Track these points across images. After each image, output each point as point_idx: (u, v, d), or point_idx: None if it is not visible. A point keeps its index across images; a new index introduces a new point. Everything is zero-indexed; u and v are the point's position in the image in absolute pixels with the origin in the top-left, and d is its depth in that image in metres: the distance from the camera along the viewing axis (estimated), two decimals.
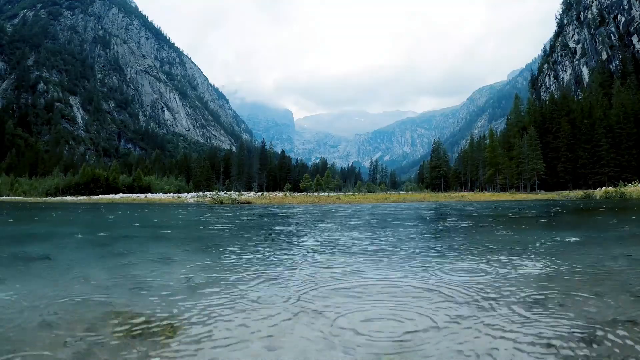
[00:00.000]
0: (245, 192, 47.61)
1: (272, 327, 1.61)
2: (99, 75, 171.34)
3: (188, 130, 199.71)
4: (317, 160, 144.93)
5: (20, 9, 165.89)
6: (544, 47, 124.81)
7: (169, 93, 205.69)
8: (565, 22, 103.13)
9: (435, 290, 2.19)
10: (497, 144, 63.16)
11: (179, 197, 37.33)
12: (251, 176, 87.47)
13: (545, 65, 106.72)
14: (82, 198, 39.37)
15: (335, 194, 49.61)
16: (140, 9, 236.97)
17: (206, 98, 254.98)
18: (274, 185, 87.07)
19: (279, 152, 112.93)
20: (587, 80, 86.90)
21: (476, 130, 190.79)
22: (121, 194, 45.54)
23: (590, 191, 29.30)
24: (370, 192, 58.60)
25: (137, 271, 2.82)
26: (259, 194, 42.82)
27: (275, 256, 3.55)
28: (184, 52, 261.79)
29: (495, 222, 7.80)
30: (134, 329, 1.57)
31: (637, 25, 79.81)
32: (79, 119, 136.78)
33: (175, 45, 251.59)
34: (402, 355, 1.32)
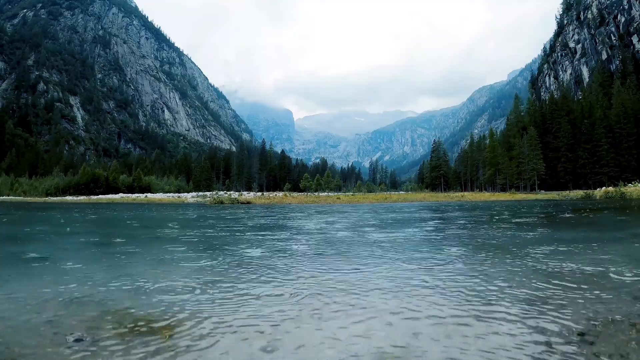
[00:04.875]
0: (245, 192, 47.59)
1: (272, 326, 1.60)
2: (99, 75, 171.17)
3: (188, 130, 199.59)
4: (317, 160, 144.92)
5: (20, 9, 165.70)
6: (544, 47, 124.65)
7: (169, 93, 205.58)
8: (565, 22, 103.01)
9: (435, 287, 2.20)
10: (497, 144, 63.11)
11: (179, 197, 37.34)
12: (251, 176, 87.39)
13: (545, 65, 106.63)
14: (82, 198, 39.36)
15: (335, 194, 49.59)
16: (140, 9, 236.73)
17: (206, 98, 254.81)
18: (274, 185, 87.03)
19: (279, 152, 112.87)
20: (587, 80, 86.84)
21: (476, 130, 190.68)
22: (121, 194, 45.53)
23: (590, 191, 29.28)
24: (370, 192, 58.57)
25: (137, 271, 2.83)
26: (259, 194, 42.81)
27: (276, 256, 3.55)
28: (184, 52, 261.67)
29: (495, 222, 7.80)
30: (134, 328, 1.57)
31: (637, 25, 79.74)
32: (79, 119, 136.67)
33: (175, 45, 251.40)
34: (403, 355, 1.30)
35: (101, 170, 63.26)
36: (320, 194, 41.60)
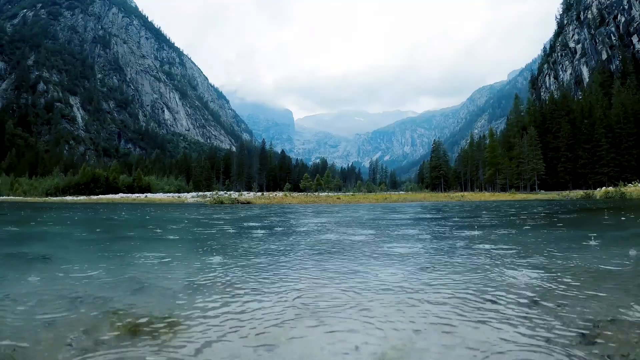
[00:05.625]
0: (245, 192, 47.61)
1: (273, 326, 1.60)
2: (99, 75, 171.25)
3: (188, 130, 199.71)
4: (317, 160, 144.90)
5: (20, 9, 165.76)
6: (544, 47, 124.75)
7: (169, 93, 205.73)
8: (565, 22, 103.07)
9: (435, 287, 2.19)
10: (497, 144, 63.18)
11: (179, 197, 37.33)
12: (251, 176, 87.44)
13: (545, 65, 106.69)
14: (82, 198, 39.35)
15: (335, 193, 49.62)
16: (140, 9, 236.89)
17: (206, 98, 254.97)
18: (274, 185, 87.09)
19: (279, 152, 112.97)
20: (587, 80, 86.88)
21: (476, 130, 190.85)
22: (121, 194, 45.52)
23: (590, 191, 29.29)
24: (370, 192, 58.57)
25: (137, 271, 2.82)
26: (259, 194, 42.81)
27: (275, 256, 3.55)
28: (184, 52, 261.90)
29: (493, 221, 7.80)
30: (134, 328, 1.58)
31: (637, 25, 79.77)
32: (79, 119, 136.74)
33: (175, 45, 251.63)
34: (402, 354, 1.30)
35: (101, 170, 63.23)
36: (320, 194, 41.60)
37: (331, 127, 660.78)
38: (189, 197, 35.79)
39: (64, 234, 6.38)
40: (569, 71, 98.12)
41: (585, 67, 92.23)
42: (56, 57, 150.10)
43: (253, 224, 7.87)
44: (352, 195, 39.52)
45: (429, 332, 1.51)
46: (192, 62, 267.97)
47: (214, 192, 40.74)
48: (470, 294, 2.09)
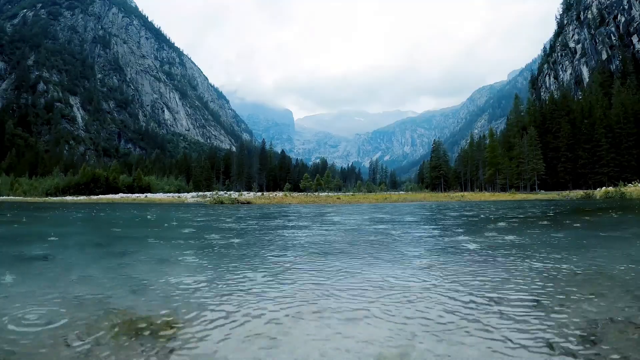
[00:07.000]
0: (245, 192, 47.61)
1: (273, 327, 1.60)
2: (99, 75, 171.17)
3: (188, 130, 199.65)
4: (317, 160, 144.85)
5: (20, 9, 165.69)
6: (544, 47, 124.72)
7: (169, 93, 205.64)
8: (565, 22, 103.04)
9: (436, 288, 2.20)
10: (497, 144, 63.14)
11: (179, 197, 37.31)
12: (251, 176, 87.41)
13: (545, 65, 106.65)
14: (82, 198, 39.32)
15: (335, 193, 49.61)
16: (140, 9, 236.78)
17: (206, 98, 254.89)
18: (274, 185, 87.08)
19: (279, 152, 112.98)
20: (587, 80, 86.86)
21: (476, 130, 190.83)
22: (121, 194, 45.50)
23: (590, 191, 29.27)
24: (370, 192, 58.53)
25: (137, 271, 2.82)
26: (259, 193, 42.79)
27: (275, 256, 3.55)
28: (184, 52, 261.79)
29: (491, 221, 7.80)
30: (134, 329, 1.57)
31: (637, 25, 79.75)
32: (79, 119, 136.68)
33: (175, 45, 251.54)
34: (402, 355, 1.30)
35: (101, 170, 63.16)
36: (321, 194, 41.59)
37: (331, 127, 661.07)
38: (189, 197, 35.76)
39: (63, 233, 6.37)
40: (569, 71, 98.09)
41: (585, 67, 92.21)
42: (56, 57, 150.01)
43: (252, 223, 7.87)
44: (352, 195, 39.51)
45: (429, 333, 1.51)
46: (192, 62, 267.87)
47: (214, 192, 40.72)
48: (469, 295, 2.09)
